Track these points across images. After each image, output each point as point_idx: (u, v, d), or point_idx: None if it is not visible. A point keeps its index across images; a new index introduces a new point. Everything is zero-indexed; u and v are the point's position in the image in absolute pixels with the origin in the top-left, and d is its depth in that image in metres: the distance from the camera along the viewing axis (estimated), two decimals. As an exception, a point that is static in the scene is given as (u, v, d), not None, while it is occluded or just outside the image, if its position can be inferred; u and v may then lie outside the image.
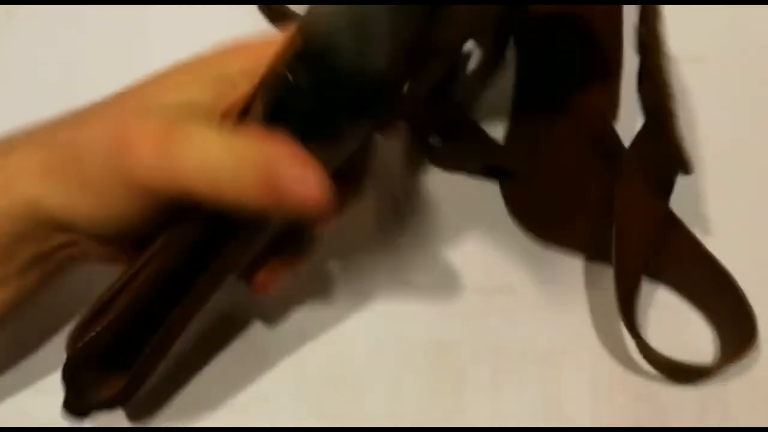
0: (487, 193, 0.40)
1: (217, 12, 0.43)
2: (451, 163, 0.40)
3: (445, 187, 0.40)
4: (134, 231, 0.29)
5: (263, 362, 0.37)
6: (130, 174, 0.27)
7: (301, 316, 0.37)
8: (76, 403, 0.32)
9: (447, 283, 0.38)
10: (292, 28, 0.26)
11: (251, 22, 0.43)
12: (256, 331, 0.37)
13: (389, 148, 0.40)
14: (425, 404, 0.36)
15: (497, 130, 0.41)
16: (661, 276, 0.38)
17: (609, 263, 0.37)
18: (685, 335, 0.37)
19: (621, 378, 0.36)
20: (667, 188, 0.38)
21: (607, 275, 0.37)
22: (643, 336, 0.36)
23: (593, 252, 0.38)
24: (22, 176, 0.29)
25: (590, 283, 0.38)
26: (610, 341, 0.37)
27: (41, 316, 0.37)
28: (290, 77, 0.25)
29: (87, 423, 0.33)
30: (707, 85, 0.42)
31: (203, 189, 0.26)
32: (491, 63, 0.39)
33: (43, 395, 0.36)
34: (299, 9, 0.43)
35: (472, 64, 0.36)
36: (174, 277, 0.30)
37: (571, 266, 0.39)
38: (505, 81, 0.41)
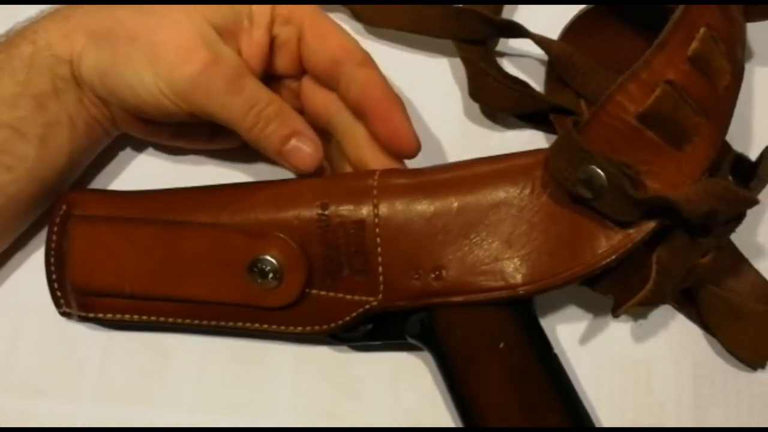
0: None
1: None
2: None
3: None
4: (158, 119, 0.34)
5: (263, 362, 0.37)
6: (180, 81, 0.32)
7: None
8: None
9: None
10: None
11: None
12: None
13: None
14: (425, 404, 0.36)
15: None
16: None
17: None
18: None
19: (621, 377, 0.36)
20: None
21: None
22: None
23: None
24: (78, 31, 0.33)
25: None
26: (610, 341, 0.37)
27: (42, 315, 0.37)
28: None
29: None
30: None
31: (230, 122, 0.33)
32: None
33: (44, 395, 0.36)
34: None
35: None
36: None
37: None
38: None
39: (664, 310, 0.37)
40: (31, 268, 0.37)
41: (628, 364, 0.37)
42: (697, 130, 0.32)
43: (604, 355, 0.37)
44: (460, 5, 0.39)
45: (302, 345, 0.37)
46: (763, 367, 0.36)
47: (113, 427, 0.36)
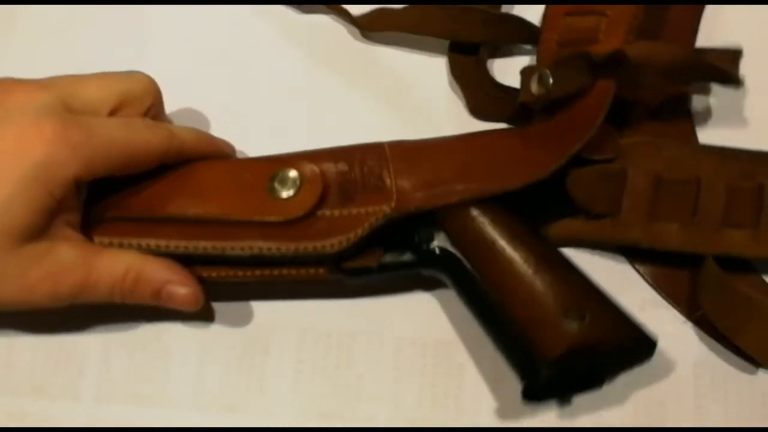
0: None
1: (217, 12, 0.43)
2: None
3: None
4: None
5: (263, 362, 0.37)
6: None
7: (301, 316, 0.37)
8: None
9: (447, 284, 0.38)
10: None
11: (251, 21, 0.43)
12: (257, 331, 0.37)
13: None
14: (425, 404, 0.36)
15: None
16: None
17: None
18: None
19: (621, 377, 0.36)
20: None
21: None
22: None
23: None
24: None
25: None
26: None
27: (43, 315, 0.37)
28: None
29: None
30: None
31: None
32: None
33: (44, 395, 0.36)
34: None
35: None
36: None
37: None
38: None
39: (665, 311, 0.37)
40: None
41: (628, 364, 0.37)
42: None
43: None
44: (461, 5, 0.40)
45: (302, 345, 0.37)
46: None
47: (113, 427, 0.36)
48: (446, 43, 0.41)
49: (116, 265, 0.33)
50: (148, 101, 0.35)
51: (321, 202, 0.34)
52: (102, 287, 0.33)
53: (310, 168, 0.34)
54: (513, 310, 0.33)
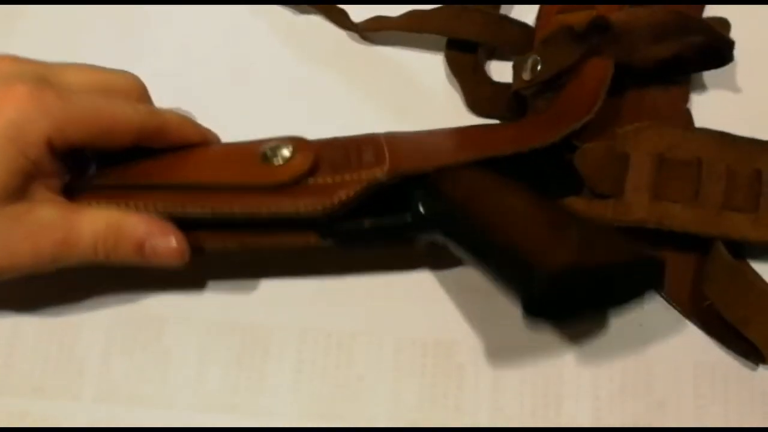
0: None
1: (216, 12, 0.43)
2: None
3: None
4: None
5: (263, 362, 0.37)
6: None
7: (301, 316, 0.37)
8: None
9: (446, 284, 0.38)
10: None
11: (249, 21, 0.43)
12: (257, 330, 0.37)
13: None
14: (425, 404, 0.36)
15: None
16: None
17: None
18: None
19: (621, 376, 0.36)
20: None
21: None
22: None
23: None
24: None
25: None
26: (611, 341, 0.37)
27: (43, 315, 0.37)
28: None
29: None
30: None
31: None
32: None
33: (44, 395, 0.36)
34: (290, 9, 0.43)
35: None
36: None
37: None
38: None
39: (665, 312, 0.38)
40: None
41: (629, 364, 0.37)
42: None
43: (604, 355, 0.37)
44: (461, 5, 0.40)
45: (302, 345, 0.37)
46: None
47: (113, 427, 0.36)
48: (444, 39, 0.41)
49: (97, 220, 0.32)
50: (132, 97, 0.35)
51: (313, 170, 0.33)
52: (84, 244, 0.32)
53: (304, 144, 0.34)
54: (509, 239, 0.32)
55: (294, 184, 0.33)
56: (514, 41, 0.41)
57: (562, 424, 0.36)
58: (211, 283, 0.38)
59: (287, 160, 0.34)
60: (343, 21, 0.42)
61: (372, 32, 0.42)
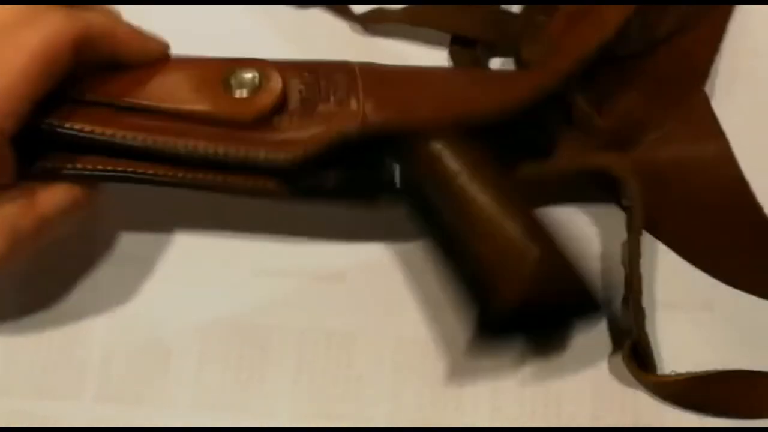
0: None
1: (216, 12, 0.43)
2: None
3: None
4: None
5: (263, 362, 0.37)
6: None
7: (301, 316, 0.37)
8: None
9: (446, 284, 0.38)
10: None
11: (248, 21, 0.43)
12: (256, 331, 0.37)
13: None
14: (425, 404, 0.36)
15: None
16: None
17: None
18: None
19: (620, 376, 0.36)
20: None
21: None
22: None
23: None
24: None
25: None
26: (609, 341, 0.37)
27: (43, 315, 0.37)
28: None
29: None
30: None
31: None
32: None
33: (44, 395, 0.36)
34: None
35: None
36: None
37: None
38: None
39: (665, 311, 0.38)
40: (31, 266, 0.37)
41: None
42: None
43: (603, 355, 0.37)
44: (461, 4, 0.40)
45: (302, 345, 0.37)
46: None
47: (113, 427, 0.36)
48: (445, 37, 0.41)
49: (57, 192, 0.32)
50: None
51: (279, 108, 0.32)
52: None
53: (271, 71, 0.32)
54: (472, 242, 0.32)
55: (257, 125, 0.31)
56: (514, 38, 0.41)
57: (562, 424, 0.36)
58: (211, 283, 0.38)
59: (251, 95, 0.32)
60: (344, 12, 0.42)
61: (374, 24, 0.42)
